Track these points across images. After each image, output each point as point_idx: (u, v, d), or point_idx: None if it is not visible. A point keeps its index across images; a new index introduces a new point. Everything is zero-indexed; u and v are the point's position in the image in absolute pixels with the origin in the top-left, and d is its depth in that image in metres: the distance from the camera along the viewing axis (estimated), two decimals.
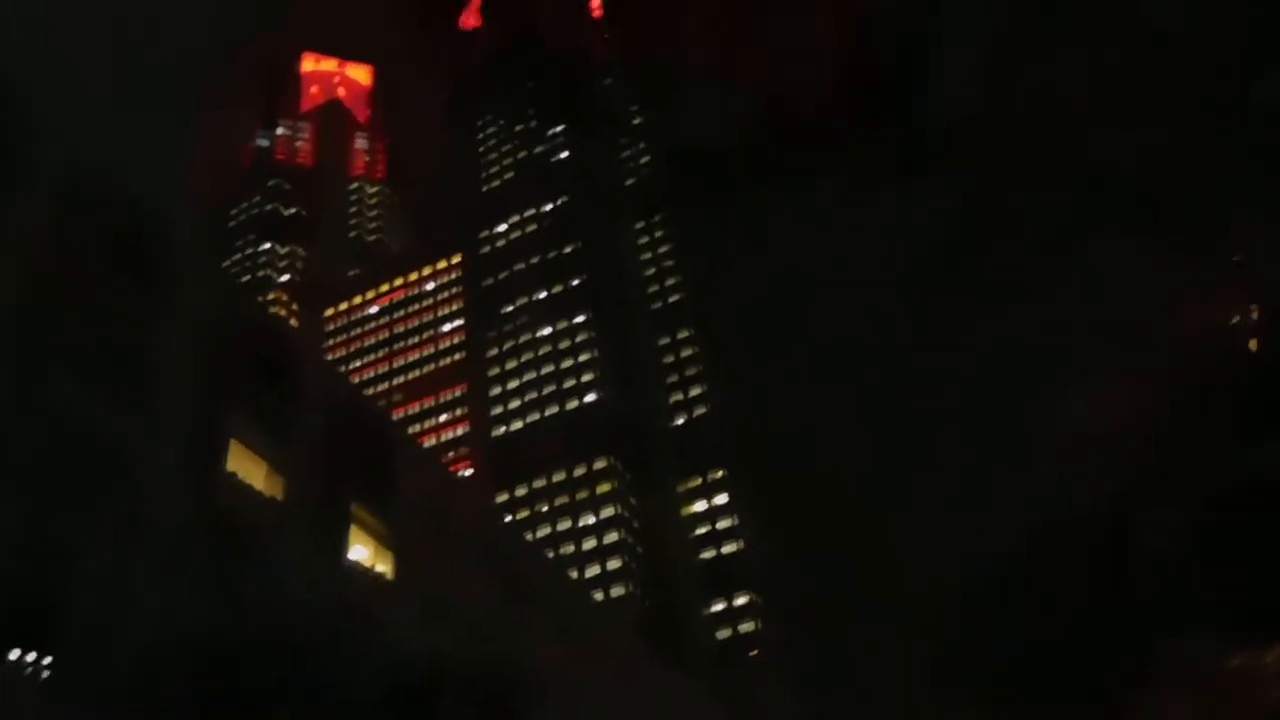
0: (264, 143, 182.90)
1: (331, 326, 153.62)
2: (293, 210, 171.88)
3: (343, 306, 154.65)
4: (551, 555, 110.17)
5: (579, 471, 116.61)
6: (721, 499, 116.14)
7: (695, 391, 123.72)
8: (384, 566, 26.88)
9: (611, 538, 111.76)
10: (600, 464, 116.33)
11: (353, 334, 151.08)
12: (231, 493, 21.66)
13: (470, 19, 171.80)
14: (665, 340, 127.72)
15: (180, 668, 16.18)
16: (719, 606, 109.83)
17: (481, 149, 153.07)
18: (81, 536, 18.52)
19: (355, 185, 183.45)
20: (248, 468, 22.55)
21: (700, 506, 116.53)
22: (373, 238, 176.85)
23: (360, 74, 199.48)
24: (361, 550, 26.92)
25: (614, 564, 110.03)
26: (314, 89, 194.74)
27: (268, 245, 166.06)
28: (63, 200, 20.65)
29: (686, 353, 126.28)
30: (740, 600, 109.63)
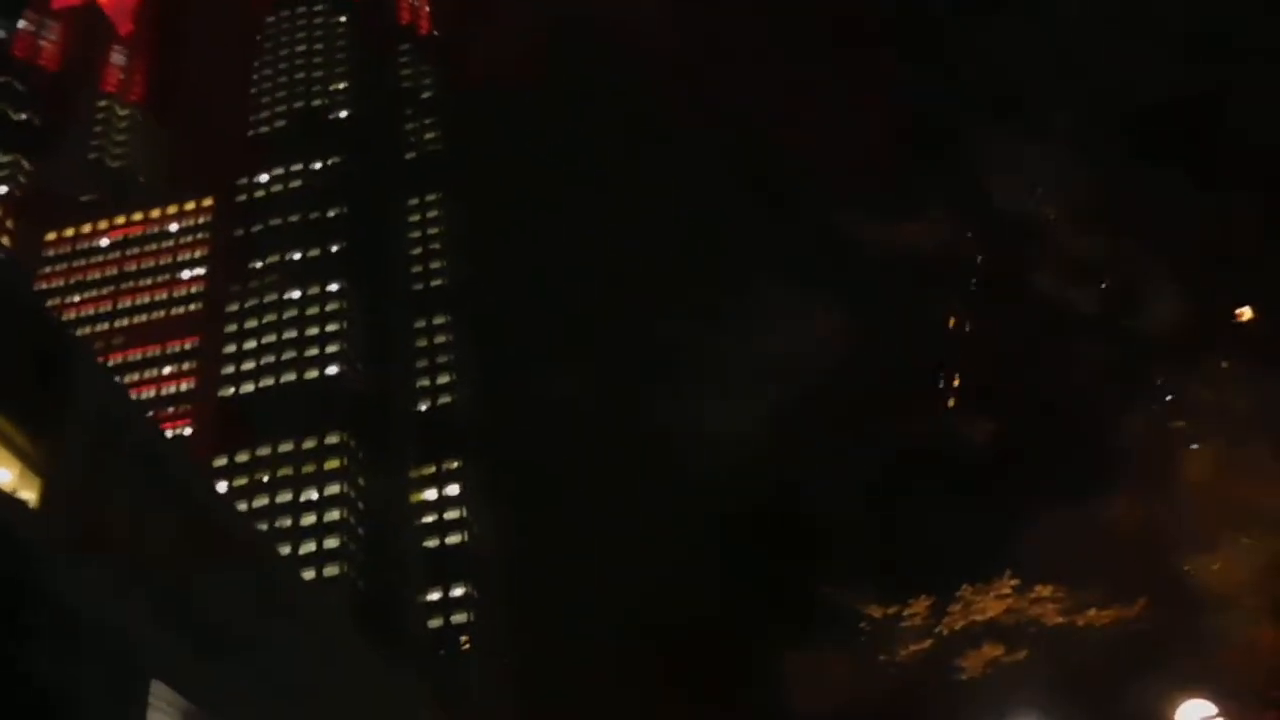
0: None
1: (53, 252, 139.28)
2: (24, 115, 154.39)
3: (68, 232, 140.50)
4: (266, 527, 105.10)
5: (308, 444, 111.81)
6: (453, 489, 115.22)
7: (443, 380, 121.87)
8: (29, 493, 24.14)
9: (333, 516, 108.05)
10: (332, 439, 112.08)
11: (76, 264, 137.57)
12: None
13: None
14: (421, 323, 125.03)
15: None
16: (435, 595, 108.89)
17: (255, 90, 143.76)
18: None
19: (105, 103, 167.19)
20: None
21: (430, 495, 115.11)
22: (117, 164, 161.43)
23: None
24: (3, 472, 24.04)
25: (332, 543, 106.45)
26: None
27: None
28: None
29: (440, 339, 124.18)
30: (457, 591, 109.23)
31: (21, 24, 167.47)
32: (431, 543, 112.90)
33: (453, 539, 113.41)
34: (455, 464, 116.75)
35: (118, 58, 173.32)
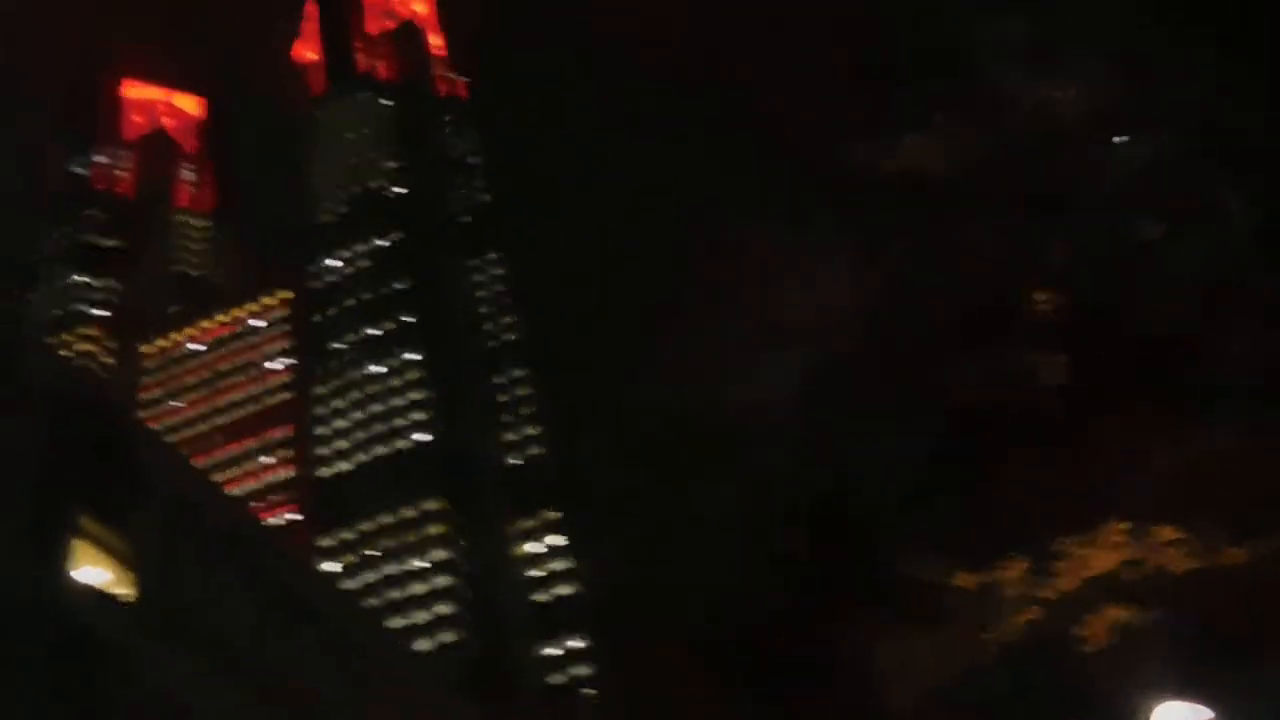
0: (80, 171, 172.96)
1: (149, 364, 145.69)
2: (110, 242, 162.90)
3: (162, 343, 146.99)
4: (378, 602, 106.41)
5: (408, 513, 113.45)
6: (555, 540, 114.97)
7: (529, 431, 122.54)
8: (125, 590, 24.60)
9: (441, 582, 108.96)
10: (430, 505, 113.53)
11: (172, 372, 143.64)
12: None
13: (305, 51, 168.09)
14: (499, 380, 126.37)
15: None
16: (552, 650, 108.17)
17: (314, 182, 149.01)
18: None
19: (180, 218, 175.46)
20: None
21: (534, 548, 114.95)
22: (197, 272, 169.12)
23: (188, 104, 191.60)
24: (99, 573, 24.60)
25: (444, 609, 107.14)
26: (137, 117, 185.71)
27: (81, 278, 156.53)
28: None
29: (520, 392, 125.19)
30: (573, 643, 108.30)
31: (98, 158, 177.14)
32: (542, 596, 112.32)
33: (562, 590, 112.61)
34: (553, 514, 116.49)
35: (187, 174, 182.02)
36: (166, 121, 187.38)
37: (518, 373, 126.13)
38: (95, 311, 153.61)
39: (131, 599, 24.69)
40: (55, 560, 22.62)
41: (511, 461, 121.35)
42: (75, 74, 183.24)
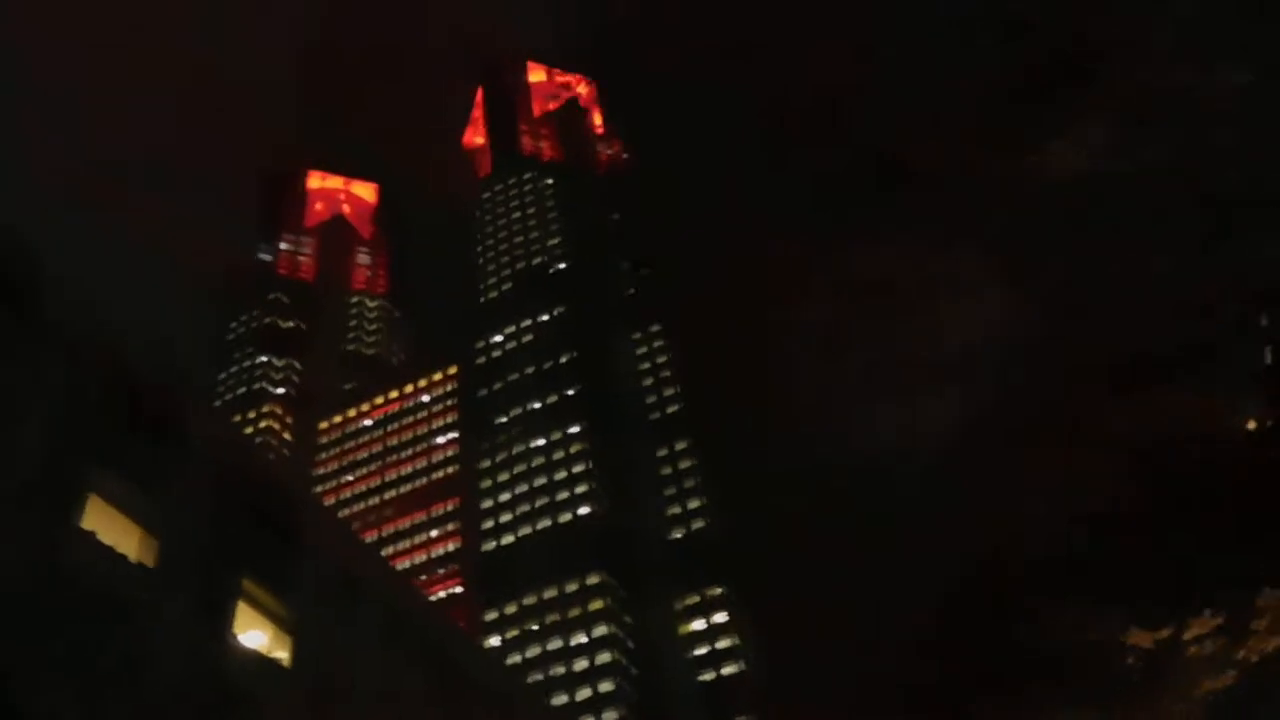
0: (266, 257, 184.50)
1: (325, 439, 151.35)
2: (291, 324, 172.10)
3: (336, 419, 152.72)
4: (541, 677, 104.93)
5: (571, 587, 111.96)
6: (720, 617, 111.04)
7: (694, 504, 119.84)
8: (282, 653, 23.72)
9: (604, 658, 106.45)
10: (593, 579, 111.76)
11: (345, 447, 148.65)
12: (89, 556, 18.63)
13: (474, 137, 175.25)
14: (663, 452, 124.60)
15: None
16: None
17: (481, 260, 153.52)
18: None
19: (355, 299, 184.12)
20: (115, 529, 19.61)
21: (698, 625, 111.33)
22: (371, 351, 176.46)
23: (365, 191, 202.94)
24: (258, 636, 23.84)
25: (606, 686, 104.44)
26: (319, 205, 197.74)
27: (264, 358, 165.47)
28: None
29: (685, 464, 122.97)
30: None
31: (283, 245, 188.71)
32: (707, 676, 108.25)
33: (728, 669, 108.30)
34: (718, 590, 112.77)
35: (362, 258, 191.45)
36: (345, 208, 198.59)
37: (681, 445, 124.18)
38: (276, 390, 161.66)
39: (287, 662, 24.19)
40: (220, 622, 21.78)
41: (674, 535, 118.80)
42: (266, 166, 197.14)
